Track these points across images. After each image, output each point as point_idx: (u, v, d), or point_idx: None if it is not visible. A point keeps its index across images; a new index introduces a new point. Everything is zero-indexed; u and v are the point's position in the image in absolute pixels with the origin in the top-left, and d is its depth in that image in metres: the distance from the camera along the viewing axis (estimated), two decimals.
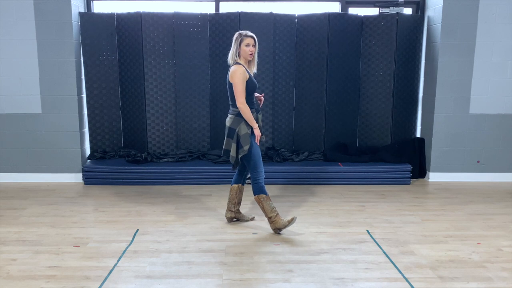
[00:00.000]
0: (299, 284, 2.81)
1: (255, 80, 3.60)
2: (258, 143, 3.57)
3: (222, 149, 3.65)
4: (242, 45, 3.49)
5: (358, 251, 3.31)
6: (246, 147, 3.50)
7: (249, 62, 3.59)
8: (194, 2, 5.47)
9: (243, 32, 3.54)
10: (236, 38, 3.52)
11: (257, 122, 3.62)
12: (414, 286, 2.79)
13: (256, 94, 3.72)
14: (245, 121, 3.52)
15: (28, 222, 3.87)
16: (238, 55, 3.53)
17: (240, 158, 3.59)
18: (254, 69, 3.63)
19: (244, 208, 4.19)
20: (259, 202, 3.61)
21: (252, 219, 3.95)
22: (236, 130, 3.53)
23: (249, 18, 5.14)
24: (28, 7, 4.83)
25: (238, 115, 3.53)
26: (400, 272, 2.97)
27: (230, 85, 3.52)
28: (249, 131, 3.53)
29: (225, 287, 2.78)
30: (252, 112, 3.55)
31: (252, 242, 3.46)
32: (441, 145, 5.29)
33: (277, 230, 3.60)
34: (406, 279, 2.88)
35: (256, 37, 3.59)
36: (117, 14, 5.23)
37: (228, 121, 3.60)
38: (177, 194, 4.74)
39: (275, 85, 5.40)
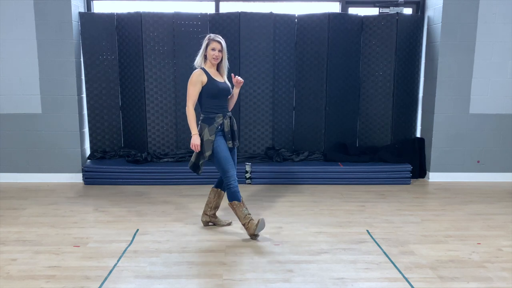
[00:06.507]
0: (299, 284, 2.81)
1: (221, 85, 3.52)
2: (195, 150, 3.48)
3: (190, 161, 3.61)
4: (208, 49, 3.49)
5: (358, 251, 3.30)
6: (206, 154, 3.46)
7: (218, 67, 3.58)
8: (194, 2, 5.47)
9: (212, 35, 3.52)
10: (205, 40, 3.52)
11: (223, 126, 3.52)
12: (414, 286, 2.79)
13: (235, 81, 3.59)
14: (209, 127, 3.47)
15: (28, 222, 3.87)
16: (205, 59, 3.53)
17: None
18: (224, 76, 3.60)
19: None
20: (232, 208, 3.54)
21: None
22: (201, 136, 3.49)
23: (249, 18, 5.14)
24: (28, 7, 4.83)
25: (203, 120, 3.51)
26: (400, 272, 2.97)
27: None
28: (212, 138, 3.46)
29: (225, 287, 2.78)
30: (218, 117, 3.49)
31: (252, 242, 3.46)
32: (441, 145, 5.29)
33: (253, 236, 3.50)
34: (406, 279, 2.88)
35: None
36: (117, 14, 5.23)
37: None
38: (177, 194, 4.74)
39: (275, 85, 5.40)
